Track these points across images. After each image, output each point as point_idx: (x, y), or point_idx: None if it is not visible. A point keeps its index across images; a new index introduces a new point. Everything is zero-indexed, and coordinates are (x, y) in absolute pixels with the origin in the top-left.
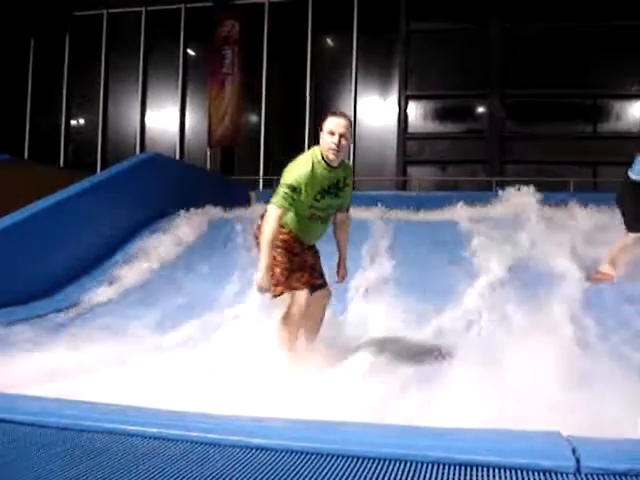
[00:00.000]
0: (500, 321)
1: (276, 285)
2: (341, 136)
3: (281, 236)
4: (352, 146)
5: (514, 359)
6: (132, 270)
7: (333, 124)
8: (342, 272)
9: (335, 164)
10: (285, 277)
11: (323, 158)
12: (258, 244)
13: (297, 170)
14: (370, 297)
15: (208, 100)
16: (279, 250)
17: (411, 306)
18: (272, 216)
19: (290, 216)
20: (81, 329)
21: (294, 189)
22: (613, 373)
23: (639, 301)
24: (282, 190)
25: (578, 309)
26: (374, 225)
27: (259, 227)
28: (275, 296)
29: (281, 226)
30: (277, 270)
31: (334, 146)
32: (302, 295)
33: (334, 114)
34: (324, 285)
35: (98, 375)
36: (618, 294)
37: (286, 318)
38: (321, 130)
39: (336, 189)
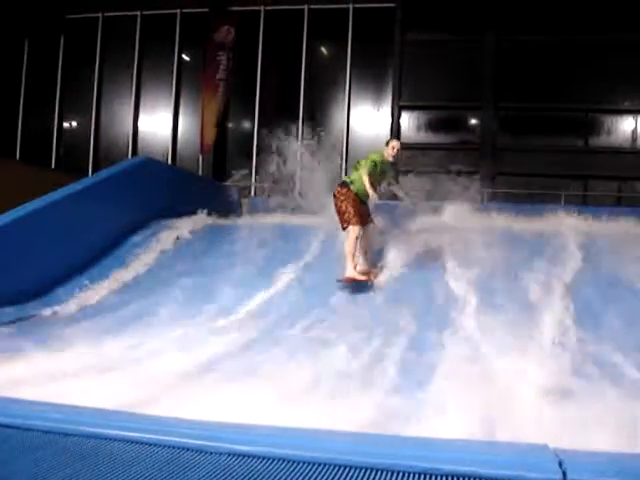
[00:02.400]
0: (486, 332)
1: (346, 222)
2: (398, 150)
3: (352, 196)
4: (344, 155)
5: (501, 370)
6: (122, 273)
7: (395, 144)
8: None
9: (390, 161)
10: (351, 219)
11: (385, 157)
12: (336, 201)
13: (375, 158)
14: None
15: (201, 105)
16: (351, 203)
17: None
18: (365, 175)
19: (359, 182)
20: (68, 332)
21: (375, 164)
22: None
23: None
24: (369, 164)
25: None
26: None
27: (337, 191)
28: (344, 229)
29: (353, 192)
30: (346, 215)
31: (394, 155)
32: (356, 228)
33: (397, 139)
34: (371, 221)
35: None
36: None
37: (349, 241)
38: (387, 144)
39: (384, 173)
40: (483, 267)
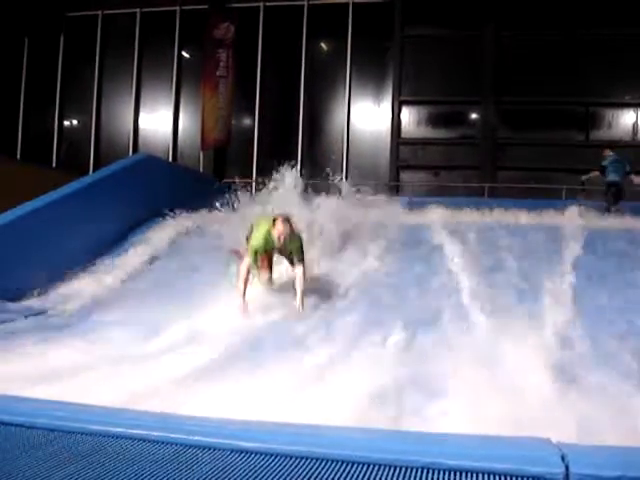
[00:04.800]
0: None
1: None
2: (284, 238)
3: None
4: (345, 149)
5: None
6: (121, 271)
7: (280, 228)
8: (298, 305)
9: (277, 245)
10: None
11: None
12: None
13: (265, 232)
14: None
15: (202, 102)
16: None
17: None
18: (245, 264)
19: (254, 239)
20: (66, 331)
21: (265, 241)
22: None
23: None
24: (254, 245)
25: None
26: None
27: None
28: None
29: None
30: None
31: (278, 240)
32: (246, 261)
33: (285, 221)
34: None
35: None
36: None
37: (241, 265)
38: (273, 222)
39: (284, 247)
40: None
